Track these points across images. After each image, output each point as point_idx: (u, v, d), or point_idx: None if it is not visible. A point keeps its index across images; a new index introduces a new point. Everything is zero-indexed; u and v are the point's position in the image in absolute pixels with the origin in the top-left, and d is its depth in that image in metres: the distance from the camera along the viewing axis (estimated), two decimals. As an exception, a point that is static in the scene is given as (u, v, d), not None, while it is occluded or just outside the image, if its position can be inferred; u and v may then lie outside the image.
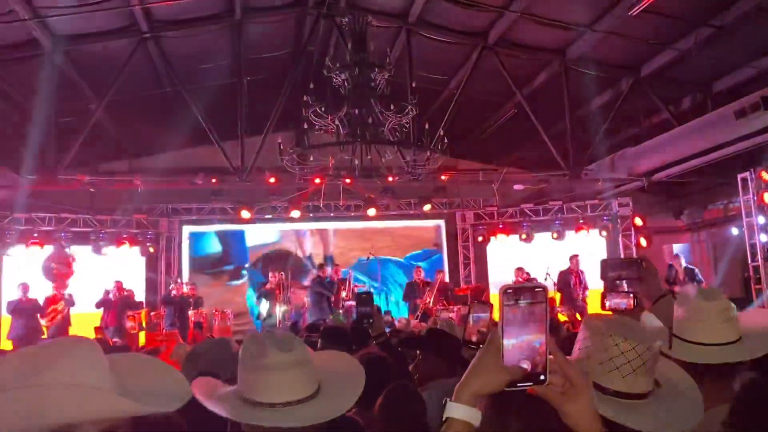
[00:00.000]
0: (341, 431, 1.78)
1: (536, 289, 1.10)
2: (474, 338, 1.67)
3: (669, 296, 2.17)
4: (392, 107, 8.22)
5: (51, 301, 11.24)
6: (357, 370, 1.88)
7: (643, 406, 1.49)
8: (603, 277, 2.26)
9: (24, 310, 10.89)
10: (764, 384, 1.55)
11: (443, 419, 1.14)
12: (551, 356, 1.10)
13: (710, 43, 9.21)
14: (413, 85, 9.01)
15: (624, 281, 2.29)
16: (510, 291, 1.10)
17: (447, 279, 13.68)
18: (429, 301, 11.95)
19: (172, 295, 12.04)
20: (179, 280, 12.76)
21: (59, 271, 11.91)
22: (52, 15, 8.67)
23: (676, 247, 13.19)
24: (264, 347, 1.69)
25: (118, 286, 11.74)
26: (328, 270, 12.53)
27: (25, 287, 11.07)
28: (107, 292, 11.69)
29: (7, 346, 10.21)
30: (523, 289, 1.10)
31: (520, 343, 1.09)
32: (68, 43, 9.45)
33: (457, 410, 1.13)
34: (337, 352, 2.18)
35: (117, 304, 11.59)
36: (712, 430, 1.67)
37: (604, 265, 2.26)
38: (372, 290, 11.82)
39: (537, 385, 1.10)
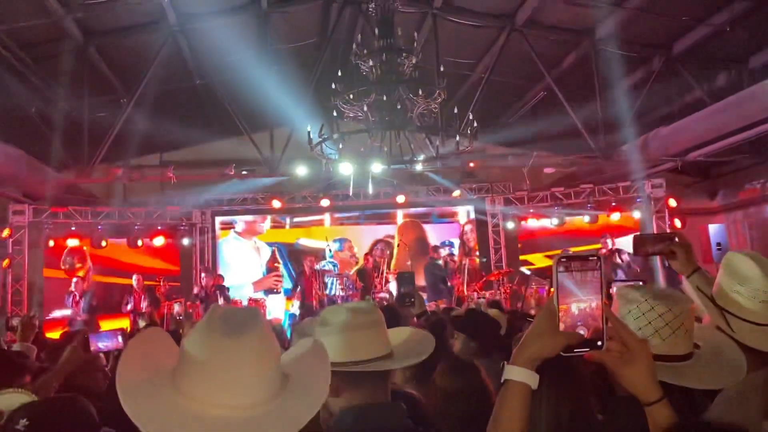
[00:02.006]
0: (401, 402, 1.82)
1: (590, 258, 1.12)
2: (533, 311, 1.68)
3: (702, 270, 2.16)
4: (420, 92, 8.19)
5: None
6: (426, 338, 2.03)
7: (687, 368, 1.51)
8: (636, 252, 2.25)
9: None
10: None
11: (501, 381, 1.17)
12: (609, 322, 1.13)
13: (746, 17, 8.98)
14: (441, 69, 8.95)
15: (658, 256, 2.28)
16: (564, 259, 1.12)
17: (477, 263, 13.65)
18: (462, 288, 11.95)
19: (203, 285, 12.18)
20: (206, 272, 12.88)
21: (73, 265, 12.24)
22: (83, 11, 8.81)
23: (712, 228, 12.94)
24: (340, 312, 1.82)
25: (139, 279, 11.93)
26: (442, 252, 12.53)
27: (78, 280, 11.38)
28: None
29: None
30: (578, 257, 1.12)
31: (576, 310, 1.11)
32: (99, 38, 9.60)
33: (515, 373, 1.16)
34: (408, 327, 2.28)
35: (140, 297, 11.78)
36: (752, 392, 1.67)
37: (637, 240, 2.25)
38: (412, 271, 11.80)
39: (594, 350, 1.13)
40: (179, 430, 1.16)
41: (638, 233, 3.23)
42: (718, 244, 12.59)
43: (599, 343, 1.12)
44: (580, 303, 1.11)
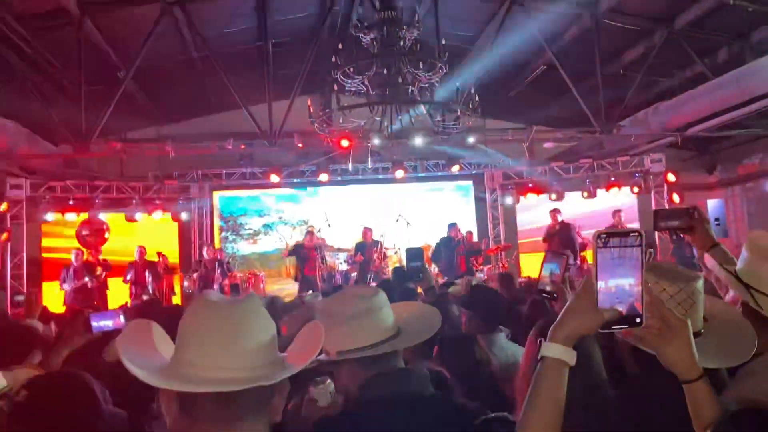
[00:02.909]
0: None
1: (631, 234, 1.11)
2: (548, 288, 1.68)
3: (721, 246, 2.16)
4: (421, 66, 8.12)
5: (91, 266, 11.49)
6: (432, 313, 2.05)
7: (699, 345, 1.52)
8: (656, 227, 2.26)
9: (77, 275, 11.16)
10: None
11: (539, 358, 1.17)
12: (647, 299, 1.12)
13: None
14: (442, 43, 8.85)
15: (676, 231, 2.28)
16: (604, 235, 1.11)
17: (475, 239, 13.67)
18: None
19: (204, 259, 12.19)
20: (209, 246, 12.88)
21: (93, 237, 12.17)
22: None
23: (710, 203, 12.98)
24: (348, 299, 1.87)
25: (141, 251, 11.90)
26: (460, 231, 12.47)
27: (79, 253, 11.32)
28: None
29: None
30: (618, 233, 1.12)
31: (614, 287, 1.11)
32: (96, 9, 9.45)
33: (553, 349, 1.17)
34: (414, 302, 2.30)
35: (143, 270, 11.76)
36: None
37: (656, 215, 2.25)
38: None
39: (633, 327, 1.13)
40: (180, 386, 1.19)
41: (657, 208, 3.23)
42: (716, 219, 12.66)
43: (638, 320, 1.12)
44: (619, 280, 1.11)
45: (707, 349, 1.50)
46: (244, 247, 14.54)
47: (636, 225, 12.27)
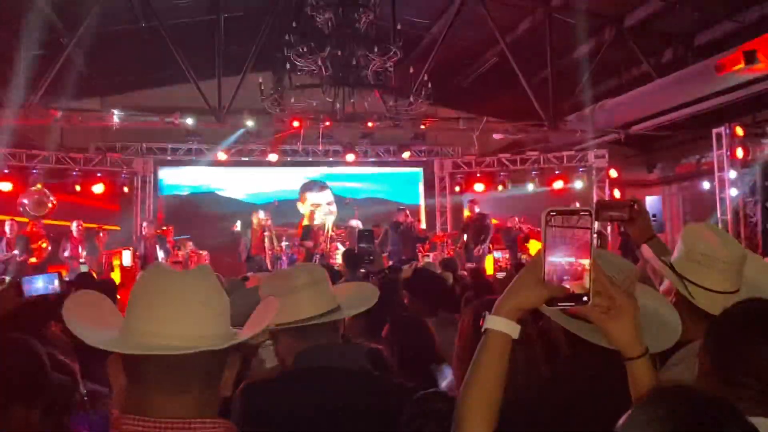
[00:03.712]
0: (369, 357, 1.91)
1: (581, 213, 1.11)
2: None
3: (658, 238, 2.24)
4: (376, 50, 8.11)
5: (34, 237, 11.06)
6: (370, 289, 2.13)
7: None
8: (597, 218, 2.32)
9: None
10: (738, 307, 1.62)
11: (482, 331, 1.18)
12: (595, 277, 1.12)
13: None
14: (398, 28, 8.84)
15: (616, 222, 2.36)
16: (554, 213, 1.11)
17: (423, 226, 13.80)
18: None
19: (144, 236, 11.86)
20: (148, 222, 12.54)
21: (35, 208, 11.71)
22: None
23: (649, 200, 13.43)
24: (290, 273, 1.94)
25: (78, 224, 11.50)
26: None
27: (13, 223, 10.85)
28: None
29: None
30: (567, 211, 1.12)
31: (562, 264, 1.11)
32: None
33: (497, 322, 1.16)
34: (356, 282, 2.36)
35: (79, 241, 11.38)
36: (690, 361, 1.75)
37: (599, 205, 2.32)
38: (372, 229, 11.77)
39: (579, 305, 1.13)
40: (126, 349, 1.16)
41: (599, 199, 3.32)
42: (654, 215, 13.07)
43: (584, 298, 1.11)
44: (568, 258, 1.10)
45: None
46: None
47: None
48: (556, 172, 13.55)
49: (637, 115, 11.32)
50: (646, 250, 2.17)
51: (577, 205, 12.52)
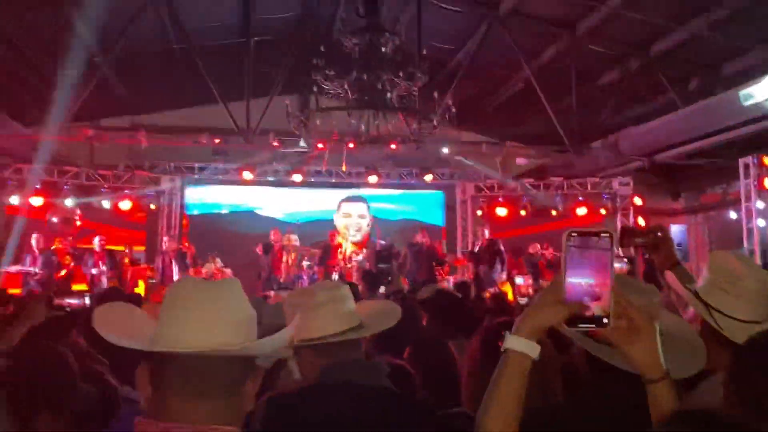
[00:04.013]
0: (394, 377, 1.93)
1: (601, 234, 1.12)
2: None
3: (683, 265, 2.24)
4: (401, 74, 8.21)
5: (59, 254, 11.26)
6: (393, 307, 2.13)
7: None
8: (621, 244, 2.32)
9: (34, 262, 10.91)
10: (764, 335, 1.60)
11: (502, 351, 1.19)
12: (615, 299, 1.13)
13: (723, 24, 9.15)
14: (423, 53, 8.95)
15: (642, 248, 2.35)
16: (574, 233, 1.12)
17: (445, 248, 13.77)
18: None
19: (164, 250, 12.01)
20: (170, 236, 12.69)
21: (63, 225, 11.93)
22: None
23: (673, 229, 13.30)
24: (312, 291, 1.96)
25: (101, 239, 11.68)
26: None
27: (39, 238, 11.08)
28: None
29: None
30: (588, 232, 1.13)
31: (582, 284, 1.12)
32: (77, -7, 9.33)
33: (517, 342, 1.17)
34: (379, 300, 2.36)
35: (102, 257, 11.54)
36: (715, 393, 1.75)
37: (624, 231, 2.32)
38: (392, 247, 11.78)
39: (600, 327, 1.13)
40: (148, 347, 1.19)
41: (624, 225, 3.31)
42: (678, 244, 12.96)
43: (605, 320, 1.12)
44: (588, 279, 1.11)
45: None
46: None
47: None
48: (580, 199, 13.47)
49: (663, 143, 11.25)
50: (670, 277, 2.16)
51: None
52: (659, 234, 2.26)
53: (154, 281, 10.87)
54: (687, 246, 13.51)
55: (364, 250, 12.74)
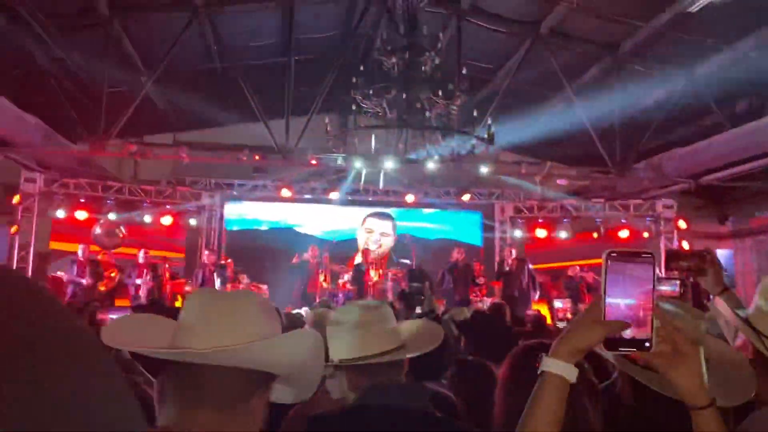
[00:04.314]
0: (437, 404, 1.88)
1: (642, 255, 1.08)
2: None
3: (732, 291, 2.15)
4: (440, 93, 8.19)
5: (105, 265, 11.52)
6: (434, 328, 2.12)
7: None
8: (667, 267, 2.25)
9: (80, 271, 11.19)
10: None
11: (539, 373, 1.15)
12: (658, 323, 1.08)
13: (771, 44, 8.93)
14: (462, 71, 8.94)
15: (688, 273, 2.27)
16: (614, 254, 1.08)
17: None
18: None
19: (204, 262, 12.19)
20: (210, 251, 12.86)
21: (107, 238, 12.21)
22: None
23: (719, 253, 12.91)
24: (350, 311, 1.94)
25: (145, 252, 11.90)
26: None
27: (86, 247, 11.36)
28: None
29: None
30: (628, 253, 1.09)
31: (623, 307, 1.07)
32: (125, 13, 9.62)
33: (554, 365, 1.13)
34: (421, 320, 2.34)
35: (144, 269, 11.76)
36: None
37: (670, 255, 2.25)
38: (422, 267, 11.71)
39: (641, 351, 1.09)
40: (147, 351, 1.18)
41: (671, 249, 3.22)
42: (724, 269, 12.53)
43: (647, 344, 1.08)
44: (629, 301, 1.07)
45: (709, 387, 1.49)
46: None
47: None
48: (622, 221, 13.19)
49: (709, 165, 10.97)
50: (719, 303, 2.08)
51: None
52: (707, 258, 2.17)
53: (192, 295, 10.96)
54: (733, 271, 13.09)
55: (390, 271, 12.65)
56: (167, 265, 12.20)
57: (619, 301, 1.08)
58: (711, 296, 2.21)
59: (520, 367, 1.65)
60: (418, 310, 4.79)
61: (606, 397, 1.87)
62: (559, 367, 1.13)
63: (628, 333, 1.08)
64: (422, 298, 3.71)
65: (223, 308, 1.23)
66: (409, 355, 1.90)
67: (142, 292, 11.18)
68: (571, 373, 1.13)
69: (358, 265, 12.43)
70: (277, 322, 1.30)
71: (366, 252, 12.83)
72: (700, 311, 1.68)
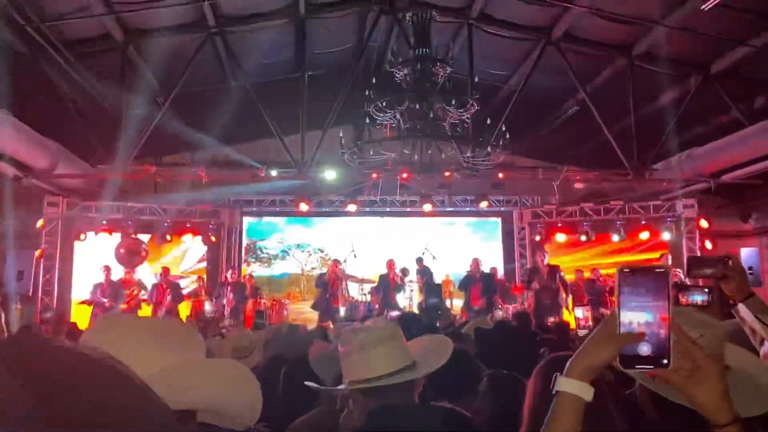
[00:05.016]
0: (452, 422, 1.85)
1: (656, 270, 1.07)
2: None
3: (758, 296, 2.12)
4: (453, 102, 8.21)
5: (125, 285, 11.67)
6: (443, 342, 2.08)
7: None
8: (688, 274, 2.21)
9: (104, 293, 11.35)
10: None
11: (553, 393, 1.14)
12: (675, 339, 1.06)
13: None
14: (475, 80, 8.95)
15: (711, 279, 2.23)
16: (627, 270, 1.07)
17: (502, 276, 13.56)
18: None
19: (227, 281, 12.28)
20: (234, 270, 12.97)
21: (130, 257, 12.37)
22: (125, 10, 9.00)
23: (744, 252, 12.70)
24: (359, 332, 1.91)
25: (165, 271, 12.04)
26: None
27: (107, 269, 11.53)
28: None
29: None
30: (641, 269, 1.08)
31: (638, 325, 1.06)
32: (139, 37, 9.78)
33: (568, 384, 1.11)
34: (430, 336, 2.30)
35: (165, 290, 11.89)
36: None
37: (691, 261, 2.21)
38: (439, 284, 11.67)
39: (659, 368, 1.07)
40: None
41: (691, 255, 3.17)
42: (750, 268, 12.35)
43: (664, 361, 1.06)
44: (644, 317, 1.06)
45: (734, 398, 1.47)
46: (257, 270, 14.63)
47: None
48: (642, 223, 13.06)
49: (728, 163, 10.84)
50: (743, 310, 2.05)
51: (669, 258, 12.01)
52: (729, 263, 2.14)
53: (211, 316, 11.03)
54: (760, 270, 12.87)
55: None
56: (201, 283, 12.41)
57: (634, 318, 1.06)
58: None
59: (547, 382, 1.64)
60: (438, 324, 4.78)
61: (628, 407, 1.86)
62: (573, 387, 1.11)
63: (644, 350, 1.06)
64: (439, 312, 3.69)
65: (121, 335, 1.15)
66: (418, 375, 1.87)
67: (161, 313, 11.29)
68: (586, 393, 1.11)
69: (382, 276, 12.40)
70: (195, 352, 1.23)
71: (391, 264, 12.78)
72: (715, 320, 1.66)
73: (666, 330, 1.06)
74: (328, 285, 12.03)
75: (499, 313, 11.11)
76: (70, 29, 9.10)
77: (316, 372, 2.51)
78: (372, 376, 1.81)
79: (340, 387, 1.87)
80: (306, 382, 2.18)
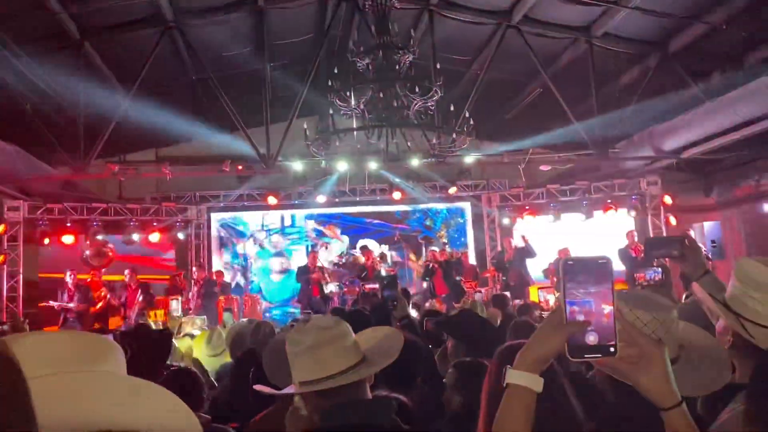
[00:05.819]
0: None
1: (599, 261, 1.08)
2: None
3: (712, 273, 2.17)
4: (417, 90, 8.18)
5: (93, 287, 11.46)
6: (395, 338, 2.06)
7: (674, 372, 1.52)
8: (647, 254, 2.27)
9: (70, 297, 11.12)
10: None
11: (504, 386, 1.14)
12: (620, 327, 1.08)
13: (742, 15, 8.98)
14: (437, 66, 8.94)
15: (667, 259, 2.29)
16: (571, 262, 1.09)
17: (473, 261, 13.67)
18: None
19: (194, 278, 12.15)
20: (198, 266, 12.82)
21: (97, 259, 12.16)
22: (79, 7, 8.78)
23: (708, 225, 12.98)
24: (306, 331, 1.87)
25: (131, 272, 11.82)
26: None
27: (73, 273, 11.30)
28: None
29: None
30: (584, 259, 1.09)
31: (584, 313, 1.07)
32: (95, 33, 9.56)
33: (519, 377, 1.13)
34: (379, 327, 2.28)
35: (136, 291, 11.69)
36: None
37: (648, 243, 2.27)
38: (395, 273, 11.78)
39: (607, 356, 1.08)
40: None
41: (648, 237, 3.23)
42: (713, 241, 12.65)
43: (611, 349, 1.07)
44: (589, 307, 1.07)
45: (682, 377, 1.49)
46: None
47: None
48: (608, 202, 13.25)
49: (689, 139, 11.03)
50: (697, 289, 2.09)
51: (635, 235, 12.19)
52: (685, 242, 2.18)
53: (177, 314, 10.85)
54: (722, 243, 13.17)
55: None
56: (179, 277, 12.30)
57: (579, 309, 1.08)
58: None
59: (502, 371, 1.64)
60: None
61: (587, 392, 1.88)
62: (523, 378, 1.13)
63: (591, 339, 1.08)
64: (395, 304, 3.70)
65: (38, 350, 0.93)
66: (366, 374, 1.86)
67: (134, 313, 11.11)
68: (536, 384, 1.13)
69: (361, 267, 12.40)
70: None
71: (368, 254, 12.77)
72: (664, 300, 1.68)
73: (611, 318, 1.07)
74: (309, 278, 11.98)
75: (477, 296, 11.19)
76: (22, 28, 8.84)
77: (266, 370, 2.51)
78: (322, 376, 1.79)
79: (290, 391, 1.85)
80: (255, 386, 2.17)
